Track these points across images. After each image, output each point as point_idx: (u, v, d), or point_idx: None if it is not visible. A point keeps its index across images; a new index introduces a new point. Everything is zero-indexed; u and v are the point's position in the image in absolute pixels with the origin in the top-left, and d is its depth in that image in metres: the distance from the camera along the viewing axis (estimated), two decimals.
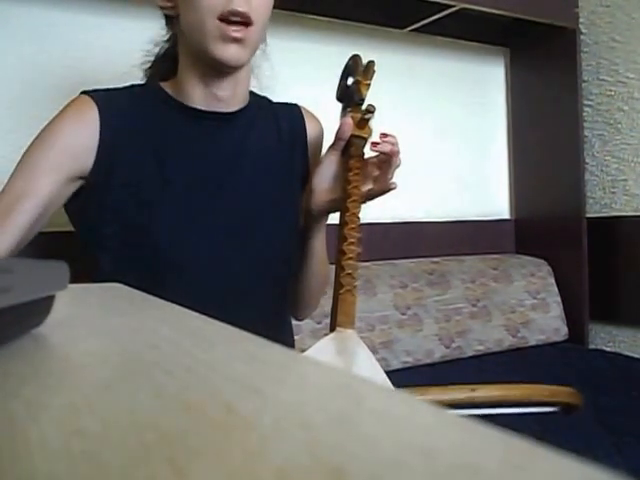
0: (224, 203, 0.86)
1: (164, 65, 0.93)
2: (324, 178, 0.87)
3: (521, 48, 1.94)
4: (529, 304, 1.73)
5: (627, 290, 1.74)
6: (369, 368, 0.66)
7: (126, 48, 1.12)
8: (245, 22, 0.78)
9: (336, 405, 0.19)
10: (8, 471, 0.14)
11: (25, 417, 0.18)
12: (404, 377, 1.33)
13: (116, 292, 0.51)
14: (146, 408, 0.19)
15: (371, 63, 0.87)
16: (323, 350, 0.66)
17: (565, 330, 1.77)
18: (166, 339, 0.30)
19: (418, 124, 1.80)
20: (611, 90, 1.80)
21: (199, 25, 0.78)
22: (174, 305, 0.40)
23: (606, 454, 1.00)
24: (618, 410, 1.19)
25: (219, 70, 0.83)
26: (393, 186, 0.84)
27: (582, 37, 1.83)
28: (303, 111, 0.99)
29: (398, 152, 0.81)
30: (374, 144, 0.82)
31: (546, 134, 1.85)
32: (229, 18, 0.77)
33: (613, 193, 1.80)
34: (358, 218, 0.78)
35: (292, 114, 0.98)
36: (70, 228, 0.90)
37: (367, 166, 0.84)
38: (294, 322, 1.03)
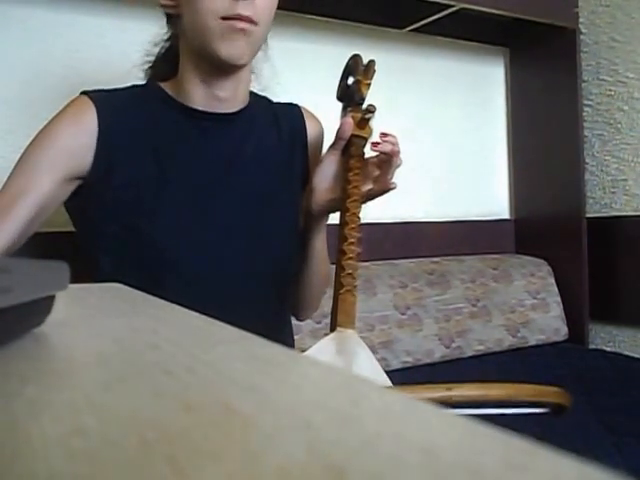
0: (224, 203, 0.86)
1: (164, 65, 0.93)
2: (324, 178, 0.87)
3: (521, 48, 1.93)
4: (529, 304, 1.73)
5: (627, 290, 1.74)
6: (369, 368, 0.66)
7: (126, 49, 1.12)
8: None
9: (336, 405, 0.19)
10: (9, 470, 0.14)
11: (26, 416, 0.18)
12: (404, 377, 1.33)
13: (116, 292, 0.51)
14: (146, 408, 0.19)
15: (371, 63, 0.87)
16: (323, 350, 0.66)
17: (565, 330, 1.77)
18: (166, 339, 0.30)
19: (418, 124, 1.80)
20: (611, 90, 1.80)
21: (202, 26, 0.78)
22: (174, 305, 0.40)
23: (606, 454, 1.00)
24: (618, 410, 1.19)
25: (221, 70, 0.83)
26: (393, 186, 0.84)
27: (582, 37, 1.83)
28: (303, 111, 0.99)
29: (398, 152, 0.81)
30: (374, 144, 0.82)
31: (546, 134, 1.85)
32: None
33: (613, 193, 1.80)
34: (358, 218, 0.78)
35: (292, 114, 0.98)
36: (70, 228, 0.90)
37: (367, 166, 0.84)
38: (294, 322, 1.03)
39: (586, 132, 1.85)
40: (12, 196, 0.79)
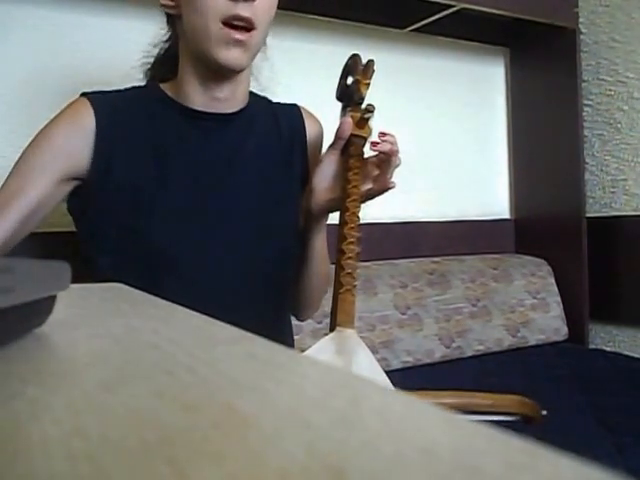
0: (223, 204, 0.86)
1: (164, 66, 0.93)
2: (324, 177, 0.87)
3: (521, 48, 1.93)
4: (529, 304, 1.73)
5: (627, 290, 1.74)
6: (369, 368, 0.66)
7: (128, 49, 1.12)
8: (248, 27, 0.79)
9: (336, 405, 0.19)
10: (10, 470, 0.14)
11: (26, 416, 0.18)
12: (404, 377, 1.33)
13: (117, 292, 0.51)
14: (146, 408, 0.19)
15: (371, 62, 0.87)
16: (323, 350, 0.66)
17: (565, 330, 1.77)
18: (166, 339, 0.30)
19: (418, 124, 1.80)
20: (611, 90, 1.80)
21: (202, 28, 0.79)
22: (174, 305, 0.40)
23: (606, 454, 1.00)
24: (618, 410, 1.19)
25: (220, 73, 0.84)
26: (392, 185, 0.84)
27: (582, 37, 1.83)
28: (302, 111, 0.99)
29: (397, 151, 0.82)
30: (374, 143, 0.82)
31: (546, 134, 1.85)
32: (232, 22, 0.78)
33: (613, 193, 1.80)
34: (358, 217, 0.78)
35: (291, 114, 0.98)
36: (70, 228, 0.90)
37: (367, 165, 0.84)
38: (294, 322, 1.03)
39: (586, 132, 1.85)
40: (8, 196, 0.80)
